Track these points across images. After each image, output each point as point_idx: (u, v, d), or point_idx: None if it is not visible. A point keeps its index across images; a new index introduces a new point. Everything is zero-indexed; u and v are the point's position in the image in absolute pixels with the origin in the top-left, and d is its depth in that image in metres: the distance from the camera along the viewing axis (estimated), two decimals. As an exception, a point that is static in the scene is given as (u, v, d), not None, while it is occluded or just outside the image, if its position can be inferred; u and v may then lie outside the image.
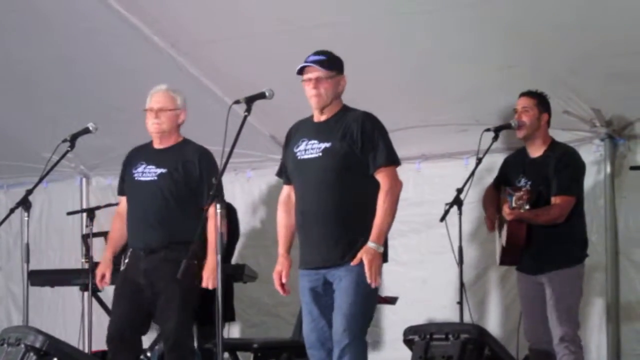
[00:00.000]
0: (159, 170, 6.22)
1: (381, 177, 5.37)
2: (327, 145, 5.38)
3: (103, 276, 6.34)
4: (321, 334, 5.41)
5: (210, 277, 6.05)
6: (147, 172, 6.25)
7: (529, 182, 6.39)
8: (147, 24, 7.23)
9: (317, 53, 5.45)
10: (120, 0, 7.06)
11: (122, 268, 6.30)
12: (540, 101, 6.50)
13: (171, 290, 6.05)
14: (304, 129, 5.53)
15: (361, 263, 5.24)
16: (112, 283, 6.40)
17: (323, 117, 5.48)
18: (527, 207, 6.10)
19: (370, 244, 5.25)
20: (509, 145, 6.94)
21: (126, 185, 6.39)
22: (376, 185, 5.38)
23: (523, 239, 6.34)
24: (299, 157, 5.47)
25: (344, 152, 5.34)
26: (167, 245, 6.12)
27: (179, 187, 6.19)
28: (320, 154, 5.39)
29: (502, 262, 6.61)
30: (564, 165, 6.38)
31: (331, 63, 5.43)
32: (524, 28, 6.51)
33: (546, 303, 6.34)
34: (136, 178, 6.29)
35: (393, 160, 5.44)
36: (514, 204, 6.13)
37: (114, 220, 6.48)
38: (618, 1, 6.24)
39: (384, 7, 6.62)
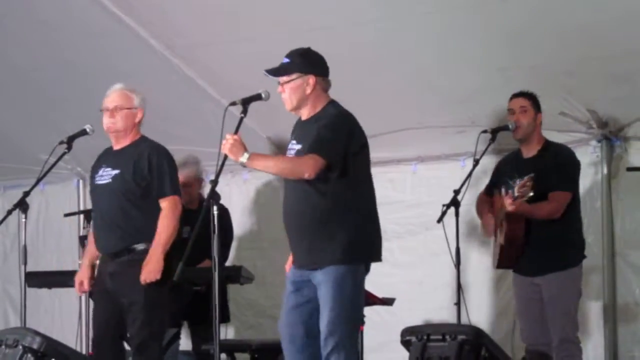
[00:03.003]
0: (113, 172, 6.13)
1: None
2: (299, 147, 5.33)
3: (81, 283, 6.32)
4: (292, 327, 5.32)
5: (150, 271, 5.96)
6: (104, 175, 6.17)
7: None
8: (143, 27, 7.24)
9: (287, 55, 5.41)
10: (117, 4, 7.06)
11: (95, 273, 6.31)
12: (534, 101, 6.52)
13: (136, 292, 6.01)
14: (295, 129, 5.52)
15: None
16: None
17: (305, 117, 5.43)
18: (531, 194, 6.01)
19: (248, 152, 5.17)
20: (505, 147, 6.94)
21: (89, 190, 6.36)
22: (346, 187, 5.27)
23: (522, 236, 6.32)
24: None
25: (306, 152, 5.24)
26: (129, 247, 6.07)
27: (131, 186, 6.09)
28: (294, 155, 5.37)
29: (500, 264, 6.59)
30: (560, 163, 6.39)
31: (292, 66, 5.36)
32: (521, 30, 6.52)
33: (543, 305, 6.34)
34: (96, 182, 6.21)
35: (317, 149, 5.18)
36: (516, 193, 6.06)
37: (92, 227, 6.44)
38: (615, 4, 6.24)
39: (381, 9, 6.63)
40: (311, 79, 5.36)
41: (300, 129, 5.43)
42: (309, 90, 5.36)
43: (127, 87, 6.26)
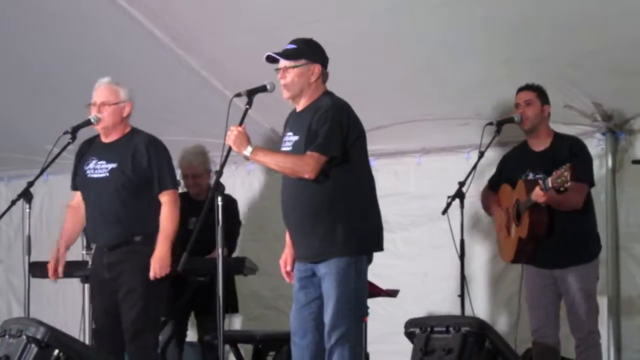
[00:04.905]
0: (110, 166, 6.15)
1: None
2: (296, 138, 5.33)
3: (56, 269, 6.35)
4: (304, 323, 5.37)
5: (156, 266, 6.02)
6: (98, 169, 6.18)
7: (538, 175, 6.36)
8: (148, 18, 7.23)
9: (291, 42, 5.38)
10: (122, -5, 7.07)
11: (89, 265, 6.37)
12: (540, 93, 6.50)
13: (135, 281, 6.05)
14: (289, 120, 5.50)
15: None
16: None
17: (300, 108, 5.42)
18: (569, 184, 5.84)
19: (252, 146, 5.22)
20: (510, 139, 6.93)
21: (79, 181, 6.33)
22: (344, 178, 5.27)
23: (544, 228, 6.27)
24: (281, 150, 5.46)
25: (304, 144, 5.24)
26: (128, 240, 6.10)
27: (130, 179, 6.12)
28: (291, 147, 5.35)
29: (516, 259, 6.50)
30: (576, 155, 6.37)
31: (299, 52, 5.34)
32: (526, 22, 6.51)
33: (557, 298, 6.37)
34: (88, 175, 6.22)
35: (318, 147, 5.19)
36: (550, 184, 5.93)
37: (68, 213, 6.46)
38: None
39: (385, 1, 6.62)
40: (317, 68, 5.35)
41: (296, 119, 5.41)
42: (313, 79, 5.35)
43: (113, 80, 6.26)
